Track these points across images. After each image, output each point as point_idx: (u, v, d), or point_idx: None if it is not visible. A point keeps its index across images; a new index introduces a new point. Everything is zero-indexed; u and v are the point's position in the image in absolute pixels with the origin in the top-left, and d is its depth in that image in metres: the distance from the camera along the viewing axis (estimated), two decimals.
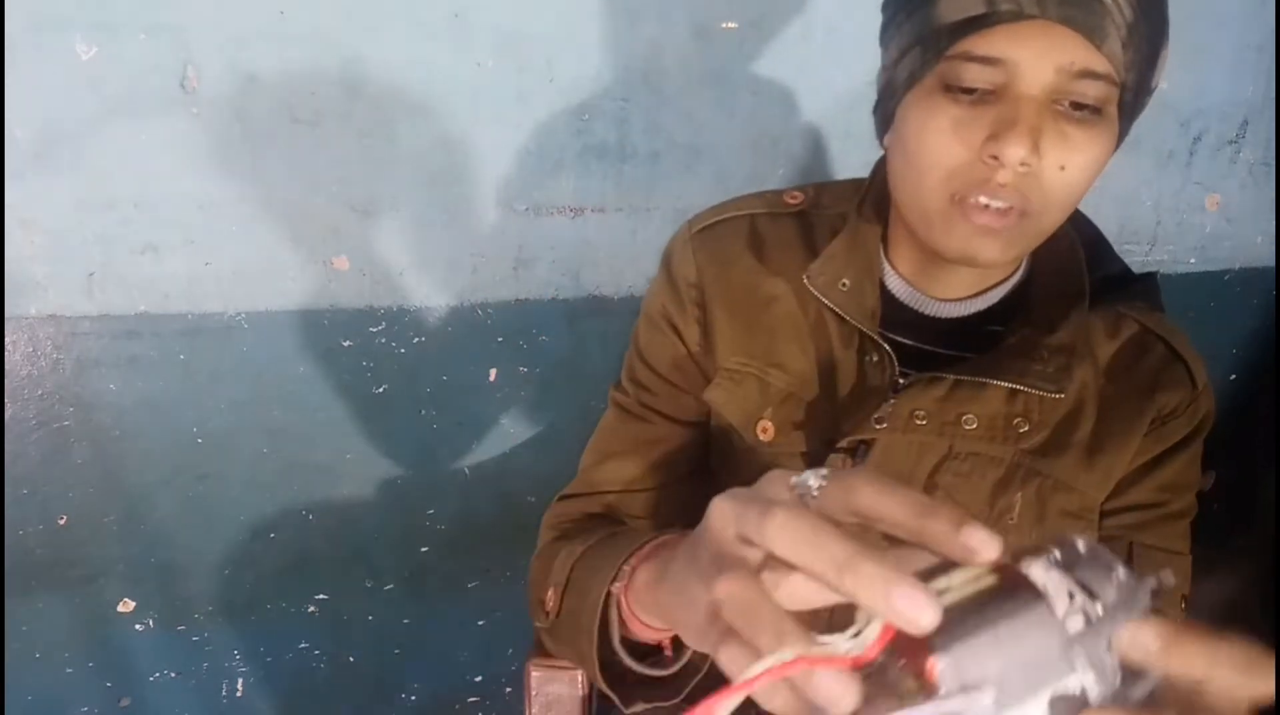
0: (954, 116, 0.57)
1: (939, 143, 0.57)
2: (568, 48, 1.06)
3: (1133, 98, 0.57)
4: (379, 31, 1.00)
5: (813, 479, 0.36)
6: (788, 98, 1.15)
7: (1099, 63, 0.54)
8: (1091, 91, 0.55)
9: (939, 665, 0.30)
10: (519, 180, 1.11)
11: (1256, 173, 1.38)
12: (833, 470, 0.36)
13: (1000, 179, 0.56)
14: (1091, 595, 0.32)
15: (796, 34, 1.11)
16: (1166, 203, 1.36)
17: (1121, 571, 0.32)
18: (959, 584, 0.32)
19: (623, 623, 0.55)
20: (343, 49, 1.00)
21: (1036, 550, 0.34)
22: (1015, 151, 0.54)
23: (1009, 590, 0.32)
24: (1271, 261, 1.44)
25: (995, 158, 0.55)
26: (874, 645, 0.31)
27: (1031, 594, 0.32)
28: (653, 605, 0.50)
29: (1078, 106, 0.55)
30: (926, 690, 0.31)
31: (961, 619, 0.31)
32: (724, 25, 1.09)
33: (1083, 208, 0.77)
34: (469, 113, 1.06)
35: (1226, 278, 1.44)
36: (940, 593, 0.31)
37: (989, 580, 0.32)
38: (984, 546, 0.30)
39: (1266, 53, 1.29)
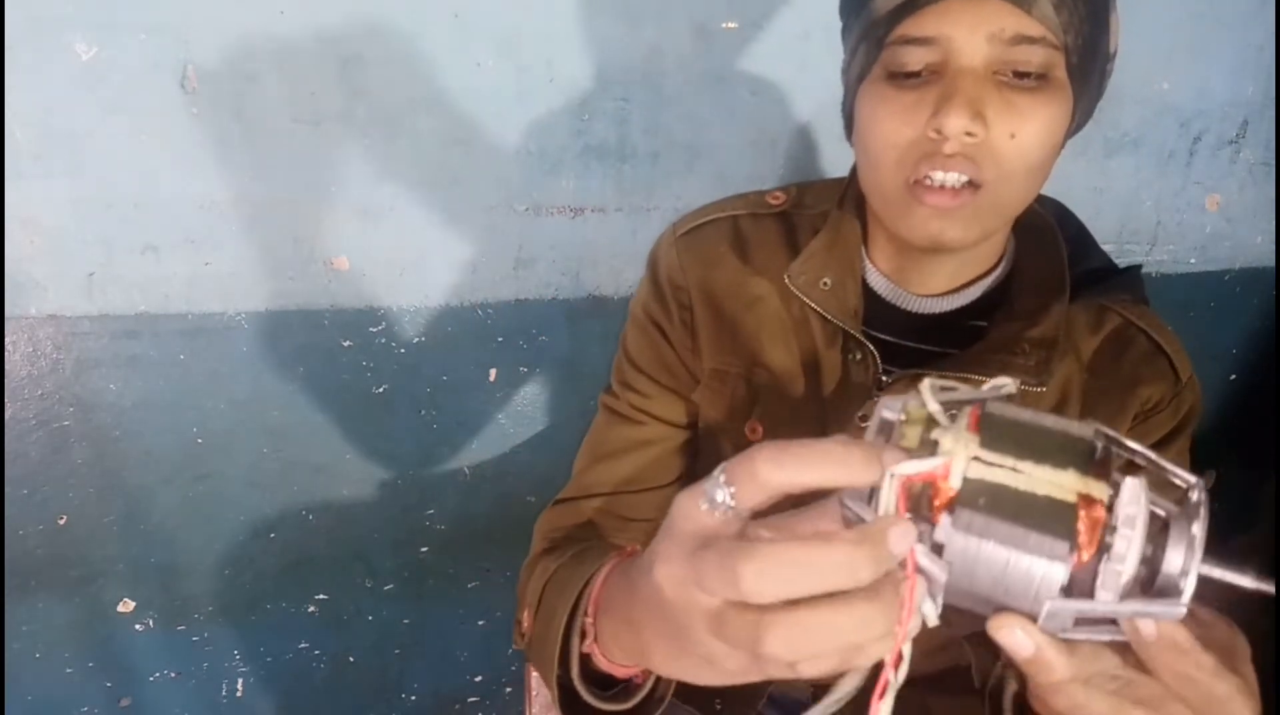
0: (900, 101, 0.58)
1: (888, 128, 0.59)
2: (568, 48, 1.06)
3: (1081, 60, 0.57)
4: (379, 31, 1.00)
5: (719, 492, 0.35)
6: (788, 98, 1.15)
7: (1032, 27, 0.55)
8: (1031, 57, 0.55)
9: (940, 522, 0.32)
10: (519, 180, 1.11)
11: (1256, 173, 1.38)
12: (725, 466, 0.36)
13: (947, 150, 0.56)
14: (1153, 582, 0.32)
15: (796, 34, 1.11)
16: (1166, 203, 1.36)
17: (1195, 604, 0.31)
18: (1040, 478, 0.32)
19: (586, 657, 0.54)
20: (343, 49, 1.00)
21: (1182, 509, 0.33)
22: (956, 122, 0.55)
23: (1064, 515, 0.31)
24: (1271, 261, 1.44)
25: (939, 132, 0.56)
26: (928, 476, 0.33)
27: (1074, 536, 0.31)
28: (632, 649, 0.48)
29: (1021, 75, 0.56)
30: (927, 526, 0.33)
31: (1002, 506, 0.31)
32: (724, 25, 1.09)
33: (1083, 208, 0.77)
34: (469, 113, 1.06)
35: (1226, 278, 1.44)
36: (1016, 471, 0.32)
37: (1068, 499, 0.31)
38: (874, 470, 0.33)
39: (1266, 53, 1.29)
